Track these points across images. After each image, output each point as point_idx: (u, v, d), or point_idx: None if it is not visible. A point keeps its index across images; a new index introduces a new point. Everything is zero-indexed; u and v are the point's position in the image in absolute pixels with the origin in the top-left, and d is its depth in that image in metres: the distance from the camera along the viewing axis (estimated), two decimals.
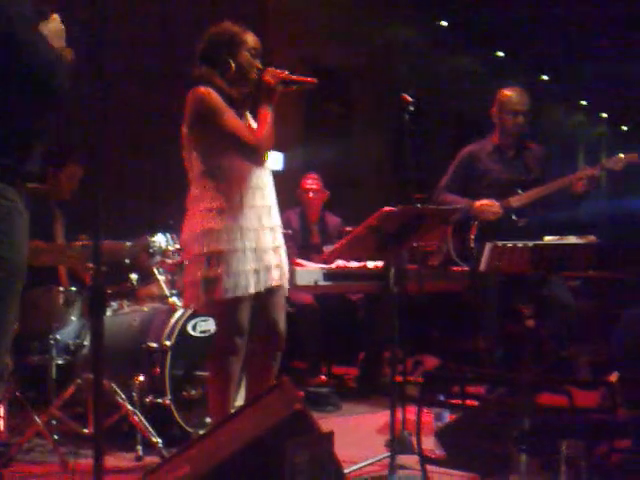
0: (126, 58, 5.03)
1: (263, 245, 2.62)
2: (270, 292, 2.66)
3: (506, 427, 1.98)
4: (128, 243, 3.51)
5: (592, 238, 3.45)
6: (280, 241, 2.71)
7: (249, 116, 2.74)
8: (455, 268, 4.00)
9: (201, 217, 2.58)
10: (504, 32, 7.67)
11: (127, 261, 3.54)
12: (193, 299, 2.62)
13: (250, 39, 2.67)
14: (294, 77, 2.66)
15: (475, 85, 7.32)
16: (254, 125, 2.70)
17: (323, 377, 4.44)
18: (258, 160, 2.63)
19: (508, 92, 3.90)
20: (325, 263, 3.84)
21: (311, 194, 4.58)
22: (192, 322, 3.32)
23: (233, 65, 2.64)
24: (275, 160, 4.36)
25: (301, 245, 4.45)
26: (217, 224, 2.55)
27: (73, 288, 3.52)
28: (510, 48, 8.39)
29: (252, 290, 2.57)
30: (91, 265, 3.11)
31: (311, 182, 4.61)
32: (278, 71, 2.65)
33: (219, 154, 2.61)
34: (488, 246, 3.21)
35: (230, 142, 2.59)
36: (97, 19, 1.86)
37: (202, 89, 2.59)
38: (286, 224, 4.55)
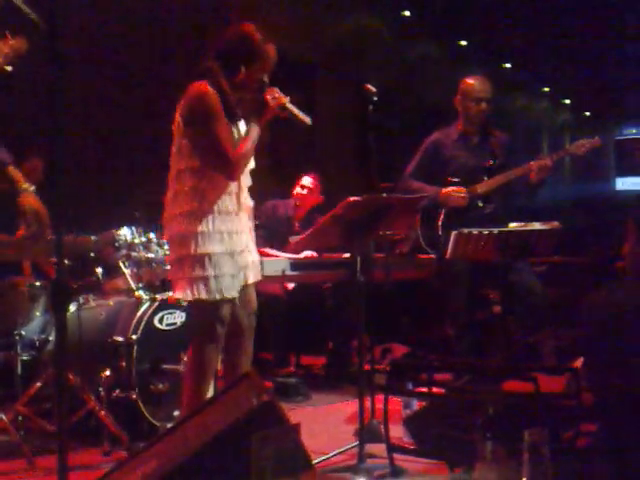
0: (90, 51, 4.95)
1: (240, 247, 2.66)
2: (246, 287, 2.71)
3: (472, 415, 2.00)
4: (93, 237, 3.47)
5: (556, 224, 3.50)
6: (253, 239, 2.75)
7: (241, 124, 2.71)
8: (422, 256, 4.02)
9: (187, 218, 2.59)
10: (467, 21, 7.71)
11: (92, 255, 3.50)
12: (181, 295, 2.64)
13: (268, 53, 2.65)
14: (292, 109, 2.64)
15: (439, 74, 7.36)
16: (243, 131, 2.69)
17: (291, 367, 4.45)
18: (231, 175, 2.60)
19: (471, 81, 3.93)
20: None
21: (305, 191, 4.59)
22: (159, 315, 3.29)
23: (243, 73, 2.62)
24: None
25: (277, 235, 4.43)
26: (205, 227, 2.57)
27: (37, 283, 3.47)
28: (473, 37, 8.45)
29: (234, 293, 2.63)
30: (54, 259, 3.06)
31: (306, 182, 4.62)
32: (281, 96, 2.63)
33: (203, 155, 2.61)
34: (454, 234, 3.25)
35: (211, 150, 2.57)
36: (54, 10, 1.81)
37: (204, 87, 2.57)
38: (271, 212, 4.57)
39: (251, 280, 2.71)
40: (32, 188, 2.73)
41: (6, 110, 4.09)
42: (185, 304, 3.36)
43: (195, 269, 2.56)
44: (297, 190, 4.62)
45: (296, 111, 2.66)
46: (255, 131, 2.61)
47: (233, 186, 2.64)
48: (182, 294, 2.61)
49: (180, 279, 2.61)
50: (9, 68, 1.77)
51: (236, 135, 2.66)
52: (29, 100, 3.91)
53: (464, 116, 3.93)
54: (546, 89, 15.09)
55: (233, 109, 2.64)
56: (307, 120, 2.67)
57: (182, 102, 2.62)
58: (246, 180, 2.72)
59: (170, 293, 3.38)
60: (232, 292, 2.61)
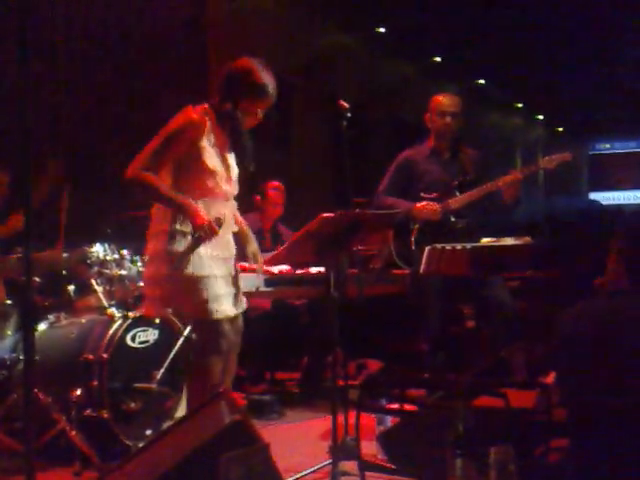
0: (58, 64, 4.92)
1: (224, 272, 2.73)
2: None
3: (443, 431, 2.01)
4: (65, 254, 3.43)
5: (527, 239, 3.54)
6: (237, 270, 2.83)
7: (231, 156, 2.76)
8: (396, 271, 4.04)
9: (166, 237, 2.63)
10: (441, 37, 7.81)
11: (64, 272, 3.46)
12: (153, 312, 2.80)
13: (270, 96, 2.73)
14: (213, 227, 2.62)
15: (413, 90, 7.43)
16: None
17: (264, 384, 4.43)
18: (122, 180, 2.63)
19: (439, 97, 4.00)
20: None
21: (273, 206, 4.65)
22: (131, 333, 3.25)
23: (228, 107, 2.68)
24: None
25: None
26: (182, 247, 2.61)
27: (8, 301, 3.42)
28: (447, 53, 8.55)
29: (233, 311, 2.72)
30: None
31: (276, 194, 4.66)
32: (214, 229, 2.62)
33: (181, 177, 2.65)
34: (427, 249, 3.26)
35: (133, 158, 2.63)
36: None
37: (188, 108, 2.64)
38: None
39: (238, 309, 2.79)
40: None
41: None
42: (157, 322, 3.35)
43: (191, 289, 2.61)
44: (267, 203, 4.65)
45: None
46: (175, 204, 2.60)
47: (218, 210, 2.68)
48: (153, 311, 2.65)
49: (154, 298, 2.64)
50: None
51: (219, 167, 2.70)
52: None
53: (434, 132, 3.99)
54: (519, 105, 15.31)
55: (218, 135, 2.69)
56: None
57: None
58: (232, 206, 2.79)
59: (143, 310, 3.37)
60: (230, 311, 2.69)
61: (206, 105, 2.69)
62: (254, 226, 4.57)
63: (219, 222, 2.60)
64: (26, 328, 1.80)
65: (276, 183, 4.73)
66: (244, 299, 2.86)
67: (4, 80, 1.79)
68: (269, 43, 6.40)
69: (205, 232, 2.57)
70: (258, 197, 4.68)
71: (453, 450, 1.71)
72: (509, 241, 3.50)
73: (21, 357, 3.32)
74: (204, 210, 2.64)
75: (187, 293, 2.64)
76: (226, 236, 2.75)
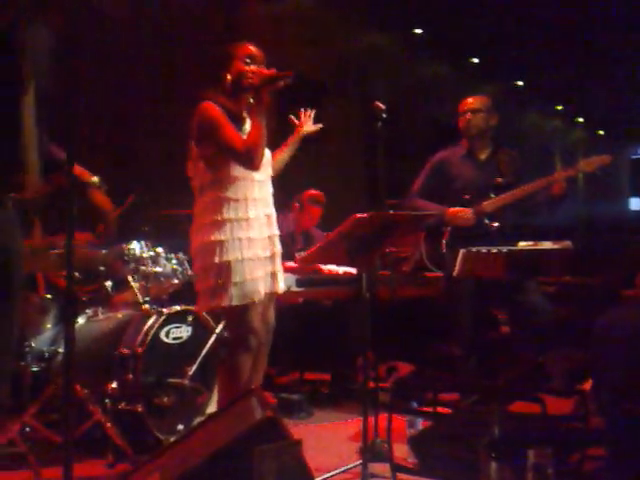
0: (96, 66, 5.01)
1: (265, 254, 2.76)
2: (267, 296, 2.80)
3: (477, 435, 1.99)
4: (103, 250, 3.50)
5: (567, 243, 3.47)
6: (278, 249, 2.84)
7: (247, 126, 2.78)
8: (429, 274, 4.01)
9: (208, 228, 2.69)
10: (479, 38, 7.73)
11: (102, 268, 3.53)
12: (204, 306, 2.75)
13: (242, 49, 2.76)
14: (276, 73, 2.68)
15: (449, 91, 7.38)
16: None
17: (290, 379, 4.44)
18: (251, 166, 2.69)
19: (467, 98, 3.96)
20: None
21: (310, 218, 4.70)
22: (165, 329, 3.30)
23: (228, 77, 2.74)
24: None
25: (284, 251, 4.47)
26: (224, 235, 2.68)
27: (49, 296, 3.50)
28: (485, 54, 8.47)
29: (260, 297, 2.73)
30: (64, 272, 3.09)
31: (314, 209, 4.70)
32: (261, 70, 2.70)
33: (222, 165, 2.71)
34: (462, 252, 3.23)
35: (226, 153, 2.68)
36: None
37: (204, 103, 2.71)
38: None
39: (274, 289, 2.79)
40: (97, 182, 2.75)
41: None
42: (191, 319, 3.40)
43: (216, 277, 2.66)
44: (306, 212, 4.69)
45: (280, 73, 2.68)
46: (256, 117, 2.67)
47: (248, 193, 2.72)
48: (205, 303, 2.70)
49: (204, 289, 2.69)
50: None
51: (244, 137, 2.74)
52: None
53: (461, 132, 3.96)
54: (559, 107, 15.06)
55: (237, 116, 2.74)
56: (290, 72, 2.69)
57: (192, 125, 2.74)
58: (267, 187, 2.82)
59: (177, 307, 3.42)
60: (256, 296, 2.70)
61: (209, 102, 2.72)
62: (287, 227, 4.64)
63: None
64: (67, 321, 1.84)
65: (316, 194, 4.75)
66: (282, 281, 2.86)
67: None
68: (303, 45, 6.42)
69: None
70: (297, 205, 4.72)
71: (488, 453, 1.69)
72: (547, 245, 3.45)
73: (59, 350, 3.40)
74: (238, 194, 2.69)
75: (232, 277, 2.67)
76: (262, 217, 2.78)
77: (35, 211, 3.79)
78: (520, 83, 11.08)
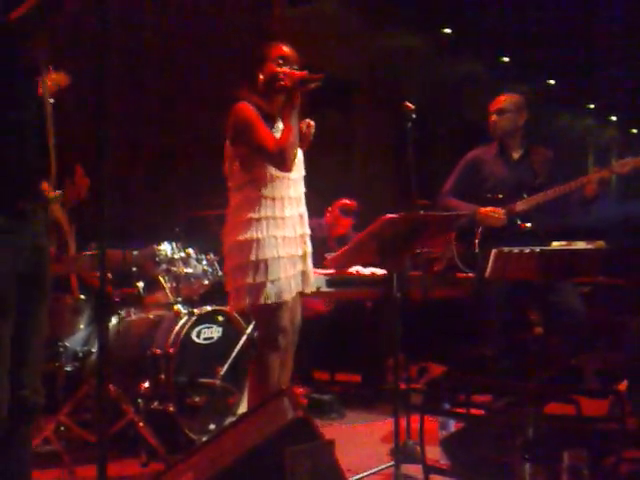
0: (130, 67, 5.07)
1: (297, 252, 2.76)
2: (294, 299, 2.80)
3: (511, 436, 1.97)
4: (135, 252, 3.54)
5: (601, 243, 3.41)
6: (309, 248, 2.83)
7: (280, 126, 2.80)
8: (460, 274, 3.97)
9: (243, 226, 2.70)
10: (509, 37, 7.65)
11: (134, 269, 3.56)
12: (238, 304, 2.74)
13: (276, 50, 2.78)
14: (308, 75, 2.69)
15: (480, 91, 7.32)
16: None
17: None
18: (283, 167, 2.70)
19: (497, 98, 3.92)
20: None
21: (342, 228, 4.75)
22: (196, 329, 3.33)
23: (261, 78, 2.76)
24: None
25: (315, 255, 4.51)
26: (260, 233, 2.68)
27: (82, 296, 3.55)
28: (516, 53, 8.38)
29: (292, 295, 2.73)
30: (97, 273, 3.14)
31: (344, 220, 4.75)
32: (293, 72, 2.71)
33: (258, 165, 2.72)
34: (493, 252, 3.19)
35: (258, 153, 2.69)
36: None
37: (239, 103, 2.73)
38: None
39: (305, 289, 2.79)
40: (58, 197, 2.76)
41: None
42: (222, 319, 3.42)
43: (252, 275, 2.65)
44: (338, 221, 4.75)
45: (312, 76, 2.69)
46: (288, 118, 2.68)
47: (283, 192, 2.73)
48: (240, 301, 2.69)
49: (238, 287, 2.69)
50: (51, 101, 1.87)
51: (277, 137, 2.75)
52: (75, 115, 4.01)
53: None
54: (591, 106, 14.82)
55: (270, 115, 2.75)
56: (321, 75, 2.69)
57: (227, 125, 2.76)
58: (298, 187, 2.82)
59: (208, 307, 3.44)
60: (288, 295, 2.70)
61: (245, 102, 2.74)
62: (320, 232, 4.67)
63: None
64: (100, 322, 1.86)
65: (347, 205, 4.78)
66: (312, 280, 2.86)
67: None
68: (332, 45, 6.42)
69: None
70: (329, 212, 4.77)
71: (522, 456, 1.67)
72: (581, 245, 3.39)
73: (93, 350, 3.44)
74: (275, 193, 2.70)
75: (263, 276, 2.66)
76: (296, 216, 2.78)
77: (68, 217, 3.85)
78: (551, 82, 10.93)
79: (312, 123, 2.82)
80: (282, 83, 2.71)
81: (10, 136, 1.72)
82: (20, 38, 1.60)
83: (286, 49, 2.78)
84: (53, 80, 2.52)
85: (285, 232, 2.72)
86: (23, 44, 1.63)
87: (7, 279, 1.77)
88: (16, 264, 1.79)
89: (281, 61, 2.75)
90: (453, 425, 2.88)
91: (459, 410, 2.55)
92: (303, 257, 2.79)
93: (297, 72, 2.71)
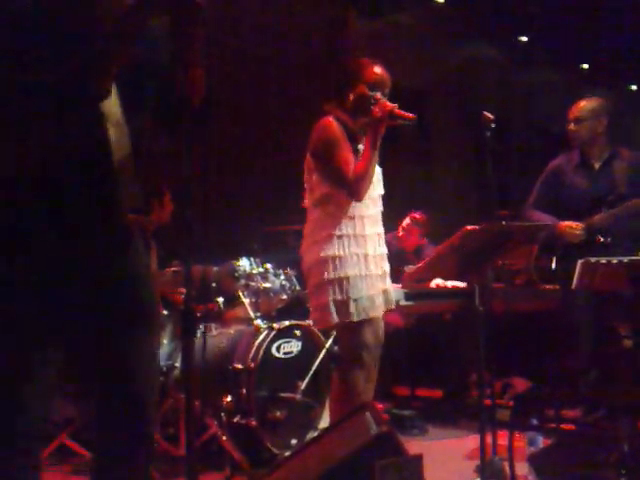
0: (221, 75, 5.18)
1: (377, 271, 2.74)
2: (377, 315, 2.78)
3: (604, 452, 1.88)
4: (215, 268, 3.61)
5: None
6: (387, 267, 2.81)
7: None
8: (546, 286, 3.87)
9: (324, 243, 2.69)
10: (588, 43, 7.45)
11: (214, 285, 3.63)
12: (324, 322, 2.72)
13: (369, 72, 2.75)
14: (398, 111, 2.66)
15: (560, 99, 7.15)
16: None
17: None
18: (355, 197, 2.68)
19: (576, 104, 3.81)
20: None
21: (416, 237, 4.85)
22: (276, 344, 3.35)
23: (350, 97, 2.75)
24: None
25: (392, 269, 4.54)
26: (342, 251, 2.67)
27: (165, 312, 3.64)
28: (596, 59, 8.14)
29: (377, 313, 2.71)
30: (182, 290, 3.23)
31: (415, 229, 4.83)
32: (387, 104, 2.68)
33: (332, 184, 2.72)
34: (580, 263, 3.09)
35: (334, 174, 2.69)
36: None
37: (326, 119, 2.73)
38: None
39: (387, 307, 2.77)
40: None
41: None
42: (300, 333, 3.43)
43: (336, 293, 2.65)
44: (405, 233, 4.82)
45: (403, 113, 2.66)
46: (369, 148, 2.66)
47: (364, 211, 2.72)
48: (326, 319, 2.67)
49: (323, 304, 2.68)
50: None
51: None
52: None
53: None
54: None
55: (354, 134, 2.74)
56: (413, 116, 2.66)
57: (310, 140, 2.76)
58: (378, 206, 2.81)
59: (287, 322, 3.46)
60: (372, 312, 2.68)
61: (330, 117, 2.73)
62: (395, 246, 4.67)
63: None
64: (187, 336, 1.86)
65: (415, 216, 4.83)
66: (393, 297, 2.83)
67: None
68: (406, 57, 6.41)
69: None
70: (402, 226, 4.82)
71: (617, 472, 1.59)
72: None
73: (176, 364, 3.51)
74: (355, 211, 2.69)
75: (346, 294, 2.65)
76: (374, 234, 2.76)
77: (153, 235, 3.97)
78: (633, 87, 10.55)
79: (386, 104, 2.67)
80: (371, 111, 2.67)
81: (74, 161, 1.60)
82: (92, 66, 1.56)
83: (379, 71, 2.75)
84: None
85: (366, 250, 2.70)
86: (95, 72, 1.60)
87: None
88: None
89: (373, 86, 2.73)
90: (542, 441, 2.79)
91: (548, 425, 2.46)
92: (382, 276, 2.77)
93: (389, 104, 2.66)
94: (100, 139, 1.61)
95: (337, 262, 2.66)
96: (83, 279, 1.59)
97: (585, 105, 3.80)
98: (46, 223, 1.54)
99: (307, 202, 2.80)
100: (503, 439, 2.50)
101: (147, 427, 1.72)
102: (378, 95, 2.72)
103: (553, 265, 3.66)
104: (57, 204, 1.54)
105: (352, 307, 2.64)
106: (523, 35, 7.19)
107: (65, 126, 1.55)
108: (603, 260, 3.02)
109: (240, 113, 5.52)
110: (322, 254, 2.68)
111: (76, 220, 1.57)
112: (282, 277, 3.71)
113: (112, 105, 1.65)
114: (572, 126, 3.77)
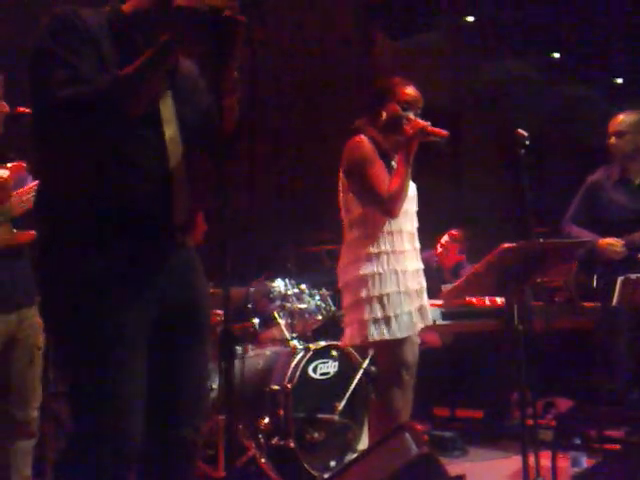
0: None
1: (415, 287, 2.73)
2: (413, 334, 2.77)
3: None
4: (251, 289, 3.62)
5: None
6: (424, 283, 2.80)
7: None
8: (586, 304, 3.81)
9: (363, 261, 2.69)
10: (622, 57, 7.37)
11: (249, 306, 3.65)
12: (358, 337, 2.71)
13: (402, 92, 2.76)
14: (431, 129, 2.67)
15: (593, 114, 7.07)
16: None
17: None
18: (389, 214, 2.69)
19: (616, 117, 3.76)
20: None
21: (455, 253, 4.86)
22: (312, 365, 3.34)
23: (383, 115, 2.76)
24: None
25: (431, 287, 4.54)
26: (381, 268, 2.67)
27: None
28: (630, 73, 8.05)
29: (414, 330, 2.70)
30: (217, 311, 3.25)
31: (452, 246, 4.85)
32: (419, 121, 2.69)
33: (366, 203, 2.72)
34: (620, 280, 3.05)
35: (367, 192, 2.69)
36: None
37: (357, 137, 2.74)
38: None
39: (424, 323, 2.75)
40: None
41: None
42: (337, 354, 3.42)
43: (373, 310, 2.64)
44: (443, 249, 4.80)
45: (436, 131, 2.66)
46: (402, 165, 2.67)
47: (402, 226, 2.72)
48: (363, 336, 2.66)
49: (360, 322, 2.67)
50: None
51: None
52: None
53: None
54: None
55: (386, 152, 2.75)
56: (446, 133, 2.67)
57: (343, 157, 2.77)
58: (413, 222, 2.80)
59: (323, 342, 3.45)
60: (410, 330, 2.67)
61: (362, 135, 2.74)
62: (432, 263, 4.67)
63: None
64: (226, 359, 1.86)
65: (452, 233, 4.85)
66: (430, 314, 2.82)
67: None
68: (437, 76, 6.42)
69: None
70: (440, 244, 4.84)
71: None
72: None
73: (214, 386, 3.53)
74: (392, 226, 2.69)
75: (387, 311, 2.65)
76: (412, 250, 2.75)
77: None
78: None
79: (418, 121, 2.70)
80: (404, 129, 2.68)
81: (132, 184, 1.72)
82: (123, 94, 1.61)
83: (411, 91, 2.77)
84: None
85: (405, 266, 2.70)
86: (128, 99, 1.63)
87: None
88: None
89: (406, 105, 2.74)
90: (585, 461, 2.74)
91: (592, 445, 2.41)
92: (419, 292, 2.76)
93: (422, 122, 2.68)
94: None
95: (377, 279, 2.65)
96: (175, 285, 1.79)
97: (625, 119, 3.76)
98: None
99: (344, 221, 2.81)
100: (546, 460, 2.45)
101: (192, 434, 1.78)
102: (411, 115, 2.73)
103: (594, 282, 3.60)
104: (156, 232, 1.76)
105: (394, 324, 2.63)
106: (555, 52, 7.15)
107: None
108: None
109: (272, 133, 5.57)
110: (361, 272, 2.67)
111: (168, 239, 1.80)
112: (317, 298, 3.71)
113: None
114: (613, 140, 3.73)
